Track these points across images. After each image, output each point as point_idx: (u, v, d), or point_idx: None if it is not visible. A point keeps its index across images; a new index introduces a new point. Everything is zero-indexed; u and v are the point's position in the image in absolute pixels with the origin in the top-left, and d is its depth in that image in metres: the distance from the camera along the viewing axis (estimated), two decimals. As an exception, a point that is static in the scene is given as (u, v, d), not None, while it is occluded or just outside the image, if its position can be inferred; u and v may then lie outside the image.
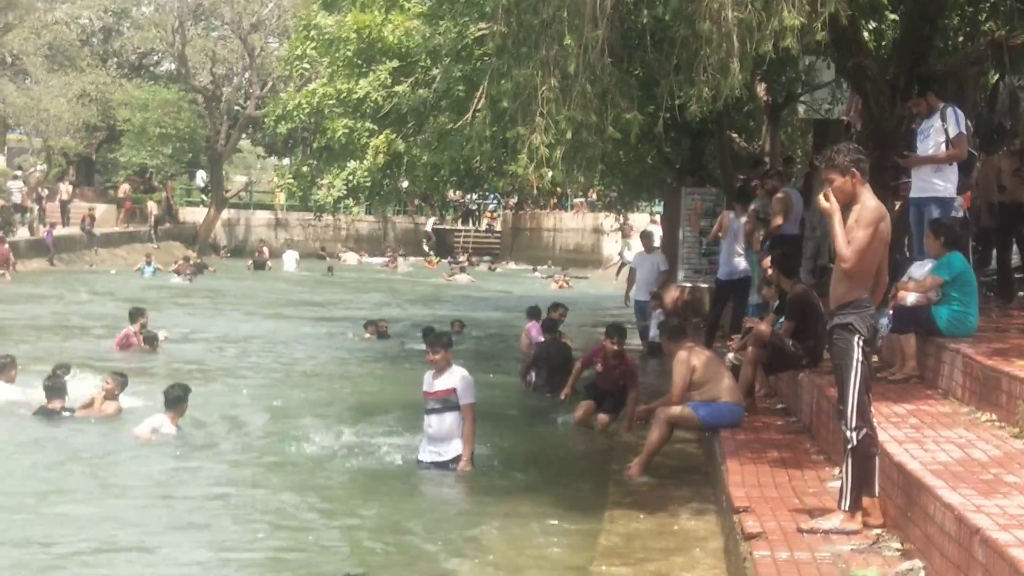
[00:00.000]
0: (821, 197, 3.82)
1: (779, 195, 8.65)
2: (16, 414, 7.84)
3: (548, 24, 5.37)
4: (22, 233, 24.89)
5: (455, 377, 6.51)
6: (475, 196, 31.78)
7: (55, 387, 7.81)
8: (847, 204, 3.72)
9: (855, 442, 3.63)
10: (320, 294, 21.98)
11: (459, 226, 37.29)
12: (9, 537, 5.01)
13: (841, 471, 3.96)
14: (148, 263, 24.74)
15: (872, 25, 9.21)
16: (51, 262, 24.29)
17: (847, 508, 3.74)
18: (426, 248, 34.84)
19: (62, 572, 4.74)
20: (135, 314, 12.12)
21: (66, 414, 7.68)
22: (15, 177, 27.33)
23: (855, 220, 3.68)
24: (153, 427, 7.17)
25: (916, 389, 5.59)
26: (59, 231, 26.03)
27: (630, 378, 7.95)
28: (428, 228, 36.22)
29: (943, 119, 6.50)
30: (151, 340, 11.82)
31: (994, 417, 4.66)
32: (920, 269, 6.03)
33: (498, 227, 37.86)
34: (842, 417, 3.72)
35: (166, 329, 12.89)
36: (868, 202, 3.71)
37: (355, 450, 7.09)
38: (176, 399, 7.31)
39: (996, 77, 9.61)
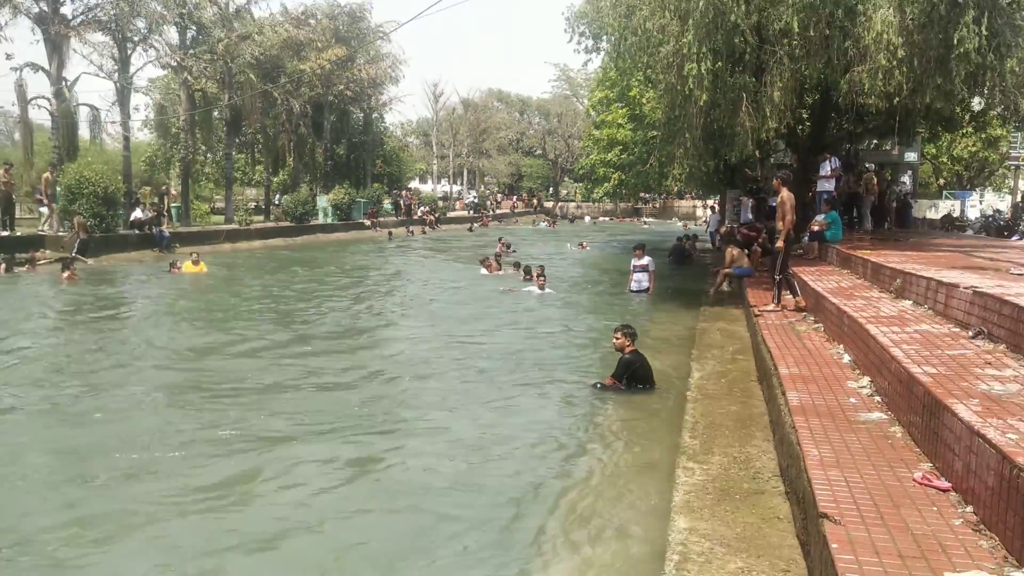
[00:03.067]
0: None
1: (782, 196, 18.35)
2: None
3: (679, 126, 15.04)
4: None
5: (647, 261, 16.26)
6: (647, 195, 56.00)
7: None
8: (776, 193, 13.11)
9: (779, 278, 12.67)
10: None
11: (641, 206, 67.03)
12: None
13: (776, 289, 13.21)
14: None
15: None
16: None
17: (776, 303, 12.85)
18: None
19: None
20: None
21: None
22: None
23: (780, 201, 13.03)
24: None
25: (816, 263, 14.94)
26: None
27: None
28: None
29: (829, 162, 16.11)
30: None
31: (845, 272, 13.93)
32: (820, 216, 15.42)
33: (656, 206, 68.08)
34: (773, 270, 12.90)
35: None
36: (784, 193, 13.04)
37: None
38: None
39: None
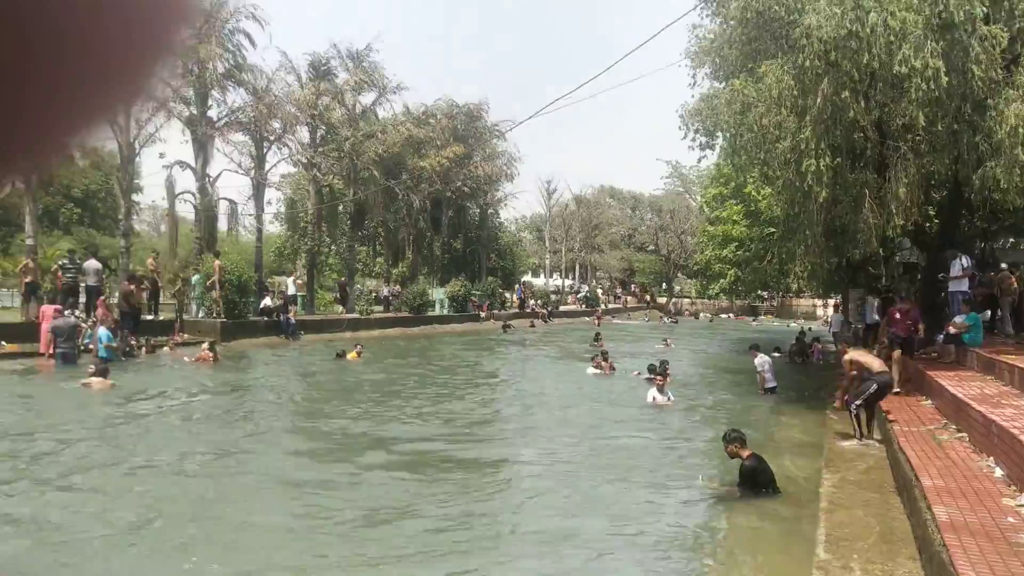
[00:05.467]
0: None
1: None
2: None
3: (798, 223, 14.74)
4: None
5: (760, 360, 15.68)
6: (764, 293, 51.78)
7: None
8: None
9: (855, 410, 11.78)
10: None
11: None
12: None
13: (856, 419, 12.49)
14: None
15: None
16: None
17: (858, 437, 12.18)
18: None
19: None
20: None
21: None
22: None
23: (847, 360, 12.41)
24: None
25: (954, 367, 14.04)
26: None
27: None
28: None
29: (960, 261, 15.24)
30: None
31: (989, 378, 13.06)
32: (959, 318, 14.58)
33: (774, 304, 65.60)
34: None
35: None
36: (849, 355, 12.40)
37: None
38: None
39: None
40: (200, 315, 24.85)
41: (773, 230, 22.67)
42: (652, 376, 16.69)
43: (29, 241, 22.89)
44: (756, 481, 8.01)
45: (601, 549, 6.51)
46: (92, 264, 22.24)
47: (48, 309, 18.97)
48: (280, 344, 24.94)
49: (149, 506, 7.46)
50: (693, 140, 19.27)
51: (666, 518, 7.52)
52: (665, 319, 52.17)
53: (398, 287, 38.59)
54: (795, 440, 11.69)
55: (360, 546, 6.41)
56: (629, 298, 66.68)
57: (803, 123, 13.28)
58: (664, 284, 75.52)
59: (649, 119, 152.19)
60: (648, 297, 68.35)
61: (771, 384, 16.48)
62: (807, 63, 12.68)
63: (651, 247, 75.63)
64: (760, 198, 26.05)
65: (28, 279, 21.13)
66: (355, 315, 32.44)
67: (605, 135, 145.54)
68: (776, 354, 23.96)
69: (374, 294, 36.74)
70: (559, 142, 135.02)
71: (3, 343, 18.65)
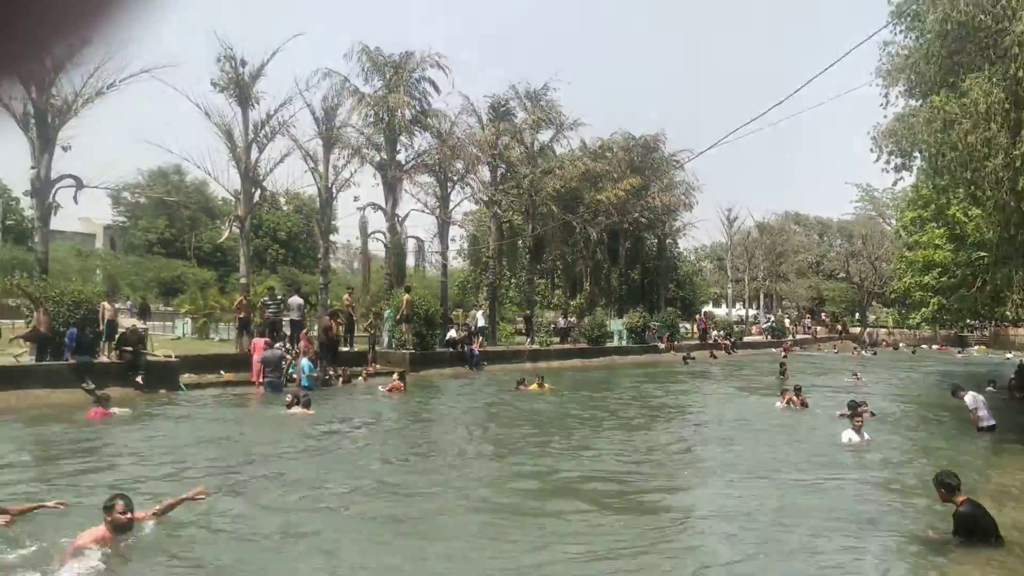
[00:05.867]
0: None
1: None
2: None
3: (1015, 247, 13.44)
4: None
5: (970, 398, 14.38)
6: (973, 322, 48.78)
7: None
8: None
9: None
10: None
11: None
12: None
13: None
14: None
15: None
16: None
17: None
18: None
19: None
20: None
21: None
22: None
23: None
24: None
25: None
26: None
27: None
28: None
29: None
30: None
31: None
32: None
33: (986, 334, 60.32)
34: None
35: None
36: None
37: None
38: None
39: None
40: (391, 347, 26.24)
41: (983, 254, 20.73)
42: (850, 414, 15.34)
43: (243, 280, 25.20)
44: (975, 529, 7.32)
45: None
46: (295, 300, 24.12)
47: (259, 342, 20.82)
48: (465, 374, 25.83)
49: (345, 521, 7.95)
50: (887, 162, 18.14)
51: (868, 570, 7.02)
52: (862, 351, 48.93)
53: (574, 318, 38.87)
54: (1020, 485, 10.56)
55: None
56: (819, 328, 63.19)
57: (1017, 138, 12.16)
58: (857, 313, 71.02)
59: (834, 141, 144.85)
60: (840, 327, 64.44)
61: (988, 423, 14.97)
62: (1020, 73, 11.65)
63: (841, 274, 71.54)
64: (967, 220, 23.97)
65: (242, 315, 23.29)
66: (536, 346, 32.99)
67: (787, 160, 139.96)
68: (991, 389, 21.74)
69: (552, 325, 37.19)
70: (739, 168, 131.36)
71: (222, 372, 20.61)
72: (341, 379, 21.72)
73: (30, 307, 18.57)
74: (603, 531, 7.94)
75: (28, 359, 17.57)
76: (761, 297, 63.74)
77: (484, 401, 20.01)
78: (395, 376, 20.84)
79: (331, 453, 12.23)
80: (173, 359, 19.72)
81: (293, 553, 6.96)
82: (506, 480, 10.53)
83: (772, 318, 60.59)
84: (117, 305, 21.31)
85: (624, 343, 38.00)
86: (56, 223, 22.14)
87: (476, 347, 27.98)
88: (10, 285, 19.13)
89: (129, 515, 6.39)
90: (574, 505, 9.09)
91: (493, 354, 29.39)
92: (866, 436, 13.79)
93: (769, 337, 52.67)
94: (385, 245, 31.05)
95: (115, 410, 14.79)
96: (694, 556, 7.32)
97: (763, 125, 46.34)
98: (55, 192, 20.03)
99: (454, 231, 42.88)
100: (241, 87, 23.90)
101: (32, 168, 19.75)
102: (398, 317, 26.02)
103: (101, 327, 18.51)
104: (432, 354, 26.39)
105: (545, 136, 37.18)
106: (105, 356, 18.34)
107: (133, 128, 60.05)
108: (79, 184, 20.43)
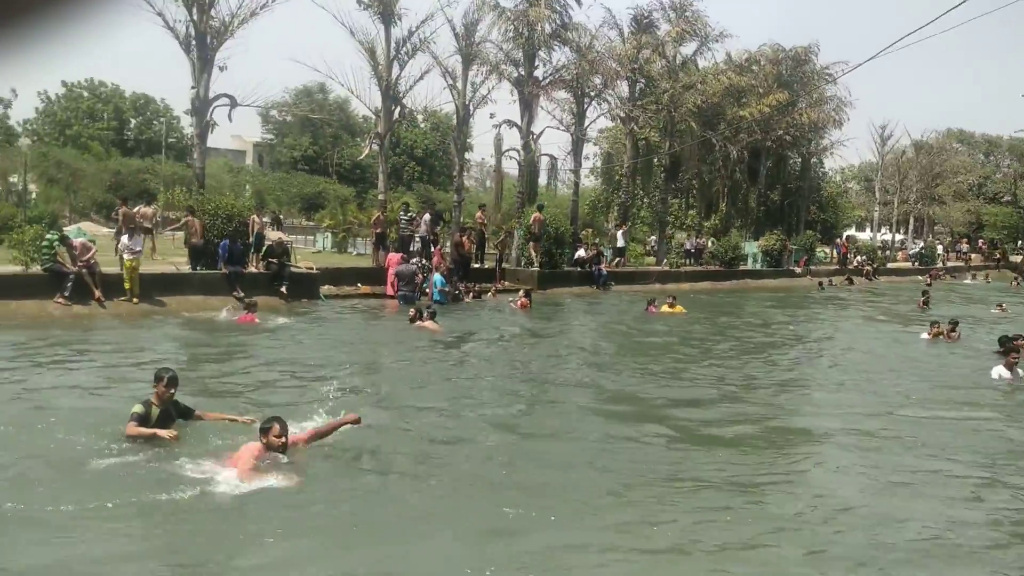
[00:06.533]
0: None
1: None
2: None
3: None
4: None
5: None
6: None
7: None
8: None
9: None
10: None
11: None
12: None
13: None
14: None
15: None
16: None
17: None
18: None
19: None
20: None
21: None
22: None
23: None
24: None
25: None
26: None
27: None
28: None
29: None
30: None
31: None
32: None
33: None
34: None
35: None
36: None
37: None
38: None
39: None
40: (520, 264, 26.67)
41: None
42: (1002, 349, 14.29)
43: (380, 196, 26.10)
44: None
45: (940, 551, 6.04)
46: (425, 217, 24.81)
47: (394, 256, 21.73)
48: (591, 294, 26.01)
49: (457, 439, 8.38)
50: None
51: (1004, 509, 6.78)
52: (1020, 281, 45.39)
53: (702, 240, 37.97)
54: None
55: (645, 508, 6.67)
56: (974, 255, 58.76)
57: None
58: (1020, 241, 65.48)
59: (1009, 51, 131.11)
60: (999, 255, 59.65)
61: None
62: None
63: (1007, 198, 65.86)
64: None
65: (378, 230, 24.24)
66: (665, 267, 32.65)
67: (953, 72, 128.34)
68: None
69: (683, 246, 36.55)
70: (898, 82, 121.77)
71: (359, 285, 21.71)
72: (471, 295, 22.37)
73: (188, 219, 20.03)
74: (718, 462, 8.00)
75: (185, 268, 19.07)
76: (911, 221, 59.85)
77: (607, 321, 20.15)
78: (521, 293, 21.28)
79: (451, 366, 12.97)
80: (314, 271, 20.91)
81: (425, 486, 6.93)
82: (616, 406, 10.72)
83: (922, 243, 56.96)
84: (265, 219, 22.62)
85: (758, 266, 36.95)
86: (211, 140, 23.64)
87: (604, 267, 28.01)
88: (172, 198, 20.72)
89: (284, 439, 6.58)
90: (687, 435, 9.18)
91: (622, 275, 29.33)
92: (1020, 373, 12.98)
93: (916, 264, 49.64)
94: (519, 163, 31.17)
95: (281, 319, 16.50)
96: (806, 487, 7.27)
97: (936, 31, 41.79)
98: (212, 110, 21.35)
99: (588, 149, 42.46)
100: (384, 4, 24.22)
101: (192, 88, 21.07)
102: (528, 235, 26.34)
103: (251, 239, 19.80)
104: (560, 273, 26.66)
105: (688, 49, 35.88)
106: (253, 267, 19.66)
107: (282, 47, 62.15)
108: (233, 103, 21.65)
